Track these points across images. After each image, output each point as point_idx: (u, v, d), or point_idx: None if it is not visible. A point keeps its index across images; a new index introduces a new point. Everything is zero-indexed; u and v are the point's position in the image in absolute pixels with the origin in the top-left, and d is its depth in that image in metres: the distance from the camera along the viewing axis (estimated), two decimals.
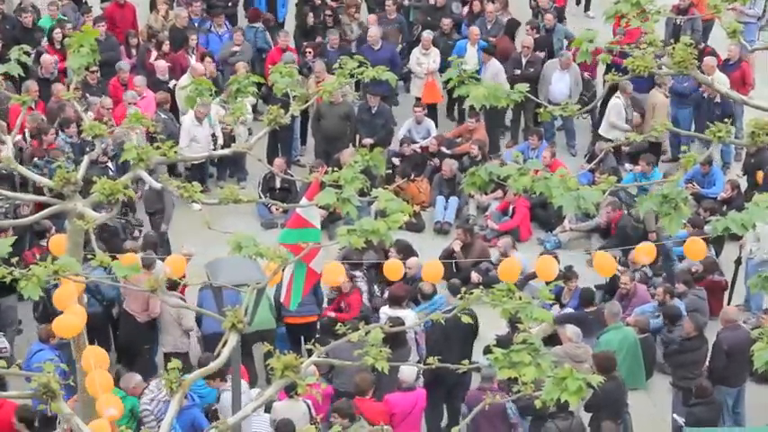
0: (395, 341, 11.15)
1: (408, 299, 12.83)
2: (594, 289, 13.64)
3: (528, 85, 7.70)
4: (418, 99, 17.63)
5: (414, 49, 17.75)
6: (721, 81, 15.78)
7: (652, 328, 13.00)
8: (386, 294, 13.17)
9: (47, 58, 15.96)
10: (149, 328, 12.45)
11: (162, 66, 16.52)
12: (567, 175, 6.56)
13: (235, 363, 8.43)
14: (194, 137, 15.61)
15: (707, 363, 12.17)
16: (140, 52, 17.34)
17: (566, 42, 17.90)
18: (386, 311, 12.44)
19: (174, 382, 6.08)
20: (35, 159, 14.20)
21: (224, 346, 6.37)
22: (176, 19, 17.81)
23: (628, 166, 16.90)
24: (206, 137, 15.60)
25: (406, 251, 13.86)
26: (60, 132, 14.91)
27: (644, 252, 11.32)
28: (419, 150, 16.88)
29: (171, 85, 16.31)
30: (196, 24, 17.88)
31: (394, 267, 12.48)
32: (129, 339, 12.45)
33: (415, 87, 17.90)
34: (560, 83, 17.23)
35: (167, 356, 12.13)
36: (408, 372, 11.03)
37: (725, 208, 14.59)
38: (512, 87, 7.47)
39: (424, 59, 17.52)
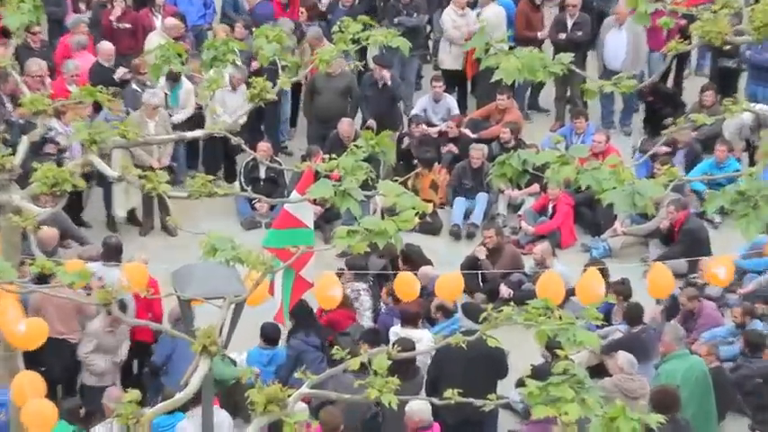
0: (405, 370, 11.15)
1: (424, 316, 12.84)
2: (656, 303, 13.59)
3: (573, 54, 7.64)
4: (441, 71, 17.62)
5: (446, 10, 17.72)
6: None
7: (724, 357, 12.96)
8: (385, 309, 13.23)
9: None
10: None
11: (107, 49, 16.08)
12: (620, 165, 6.53)
13: (206, 393, 8.43)
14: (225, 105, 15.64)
15: None
16: (94, 9, 17.33)
17: None
18: (397, 331, 12.43)
19: (131, 418, 6.07)
20: None
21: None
22: None
23: None
24: (238, 106, 15.43)
25: (417, 259, 13.84)
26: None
27: (719, 265, 11.26)
28: (435, 134, 16.88)
29: (118, 75, 16.03)
30: None
31: (407, 283, 12.48)
32: (64, 368, 12.42)
33: (448, 57, 17.81)
34: (616, 45, 17.24)
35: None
36: (421, 408, 10.99)
37: None
38: (556, 55, 7.44)
39: (462, 21, 17.48)
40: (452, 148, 16.65)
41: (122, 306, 11.60)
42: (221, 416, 11.00)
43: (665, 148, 15.20)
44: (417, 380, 11.76)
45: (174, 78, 15.62)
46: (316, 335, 12.62)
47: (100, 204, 15.74)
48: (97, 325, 12.34)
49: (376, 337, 12.43)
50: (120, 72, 15.90)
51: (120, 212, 15.58)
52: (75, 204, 14.91)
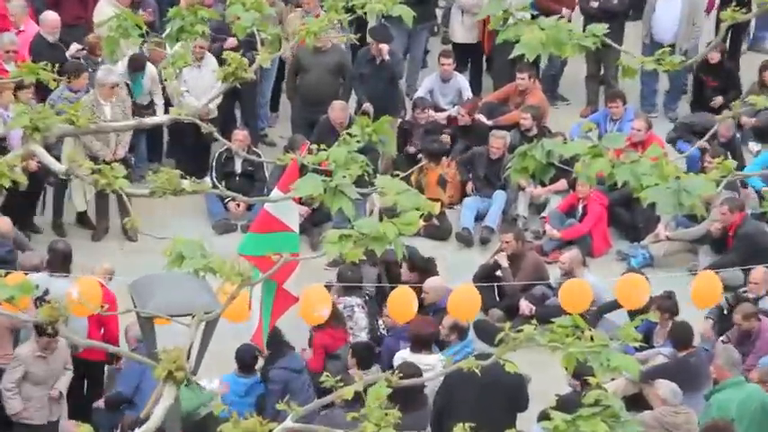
0: (409, 399, 11.18)
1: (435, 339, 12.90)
2: (705, 318, 13.57)
3: (607, 25, 7.66)
4: (453, 45, 17.65)
5: None
6: None
7: None
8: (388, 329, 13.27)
9: None
10: None
11: (51, 20, 16.02)
12: (663, 158, 6.54)
13: (171, 428, 8.46)
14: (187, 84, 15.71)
15: None
16: None
17: None
18: (405, 357, 12.44)
19: None
20: None
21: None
22: None
23: (753, 145, 16.88)
24: (205, 86, 15.53)
25: (423, 268, 13.87)
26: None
27: None
28: (443, 120, 16.91)
29: (71, 53, 16.07)
30: None
31: (403, 300, 12.47)
32: None
33: (460, 28, 17.90)
34: (667, 13, 17.26)
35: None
36: None
37: None
38: (587, 25, 7.46)
39: None
40: (464, 138, 16.65)
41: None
42: None
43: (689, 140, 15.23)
44: (424, 412, 11.76)
45: (138, 67, 15.70)
46: (295, 358, 12.68)
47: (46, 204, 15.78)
48: (26, 349, 12.22)
49: (369, 353, 12.49)
50: (74, 49, 15.92)
51: (79, 206, 15.61)
52: (24, 206, 14.99)
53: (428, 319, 12.86)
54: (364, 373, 12.08)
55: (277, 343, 12.67)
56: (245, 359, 12.72)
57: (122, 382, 12.62)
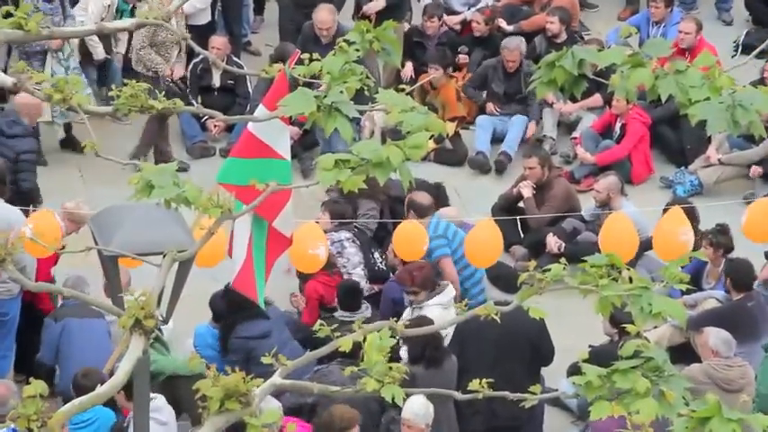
0: (435, 351, 11.27)
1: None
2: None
3: None
4: None
5: None
6: None
7: None
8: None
9: None
10: None
11: None
12: (715, 67, 6.52)
13: (140, 384, 8.49)
14: None
15: None
16: None
17: None
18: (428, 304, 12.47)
19: (35, 420, 6.10)
20: None
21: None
22: None
23: None
24: None
25: (433, 198, 13.88)
26: None
27: None
28: (457, 26, 16.88)
29: None
30: None
31: (413, 234, 12.46)
32: None
33: None
34: None
35: None
36: (417, 407, 10.96)
37: None
38: None
39: None
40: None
41: None
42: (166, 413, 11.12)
43: None
44: (447, 368, 11.71)
45: None
46: (257, 321, 12.39)
47: None
48: None
49: (354, 294, 12.60)
50: None
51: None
52: None
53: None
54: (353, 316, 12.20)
55: (233, 303, 12.35)
56: (220, 308, 12.57)
57: (43, 347, 12.34)
